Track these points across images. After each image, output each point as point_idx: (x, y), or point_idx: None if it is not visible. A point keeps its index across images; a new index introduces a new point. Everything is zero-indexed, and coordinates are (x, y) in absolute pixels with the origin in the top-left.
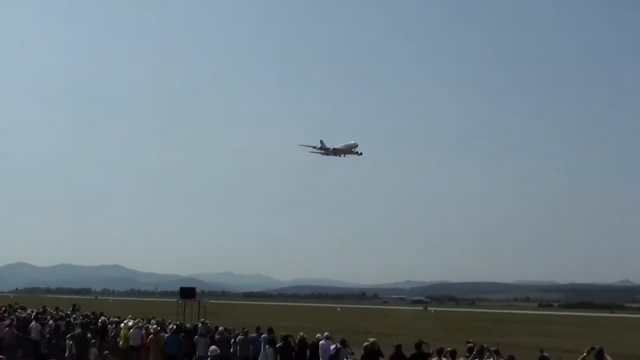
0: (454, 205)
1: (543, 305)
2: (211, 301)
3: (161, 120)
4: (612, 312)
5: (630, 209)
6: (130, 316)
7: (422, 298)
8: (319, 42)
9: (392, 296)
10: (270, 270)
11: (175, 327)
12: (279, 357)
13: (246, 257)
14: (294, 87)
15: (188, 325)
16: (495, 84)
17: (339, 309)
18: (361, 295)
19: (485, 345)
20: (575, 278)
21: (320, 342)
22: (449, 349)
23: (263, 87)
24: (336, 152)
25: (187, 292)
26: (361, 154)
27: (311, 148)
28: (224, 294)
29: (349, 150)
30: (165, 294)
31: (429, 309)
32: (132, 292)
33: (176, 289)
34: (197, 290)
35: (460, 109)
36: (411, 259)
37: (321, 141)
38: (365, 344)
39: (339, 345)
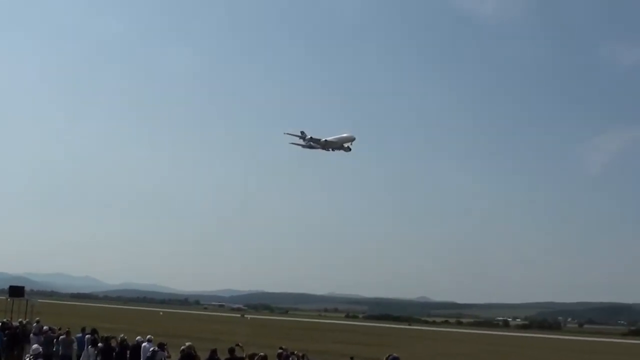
0: (273, 219)
1: (350, 315)
2: (39, 300)
3: None
4: (410, 325)
5: (430, 233)
6: None
7: (241, 306)
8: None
9: (212, 303)
10: (99, 273)
11: (1, 324)
12: (100, 357)
13: (76, 258)
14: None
15: (15, 323)
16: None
17: (161, 313)
18: (184, 301)
19: (295, 352)
20: (379, 293)
21: (142, 344)
22: (261, 354)
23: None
24: (327, 145)
25: (16, 291)
26: (350, 149)
27: (296, 139)
28: (53, 294)
29: (341, 144)
30: None
31: (245, 316)
32: None
33: (5, 287)
34: (27, 289)
35: None
36: (233, 269)
37: (302, 132)
38: (182, 347)
39: (156, 348)
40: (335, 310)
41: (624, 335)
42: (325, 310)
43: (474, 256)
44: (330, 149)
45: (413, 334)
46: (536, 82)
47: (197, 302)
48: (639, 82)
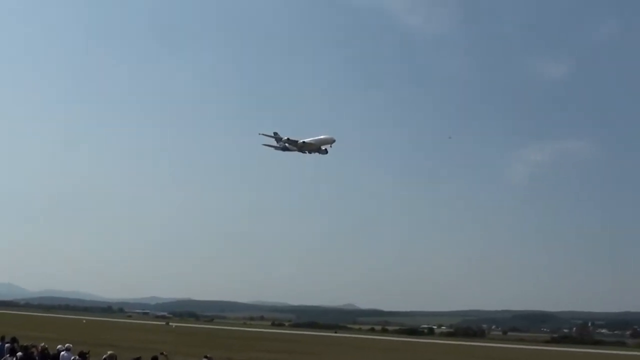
0: (201, 226)
1: (276, 324)
2: None
3: None
4: (336, 332)
5: (357, 241)
6: None
7: (166, 313)
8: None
9: (137, 310)
10: (20, 279)
11: None
12: None
13: None
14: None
15: None
16: None
17: (84, 321)
18: (107, 309)
19: None
20: (306, 301)
21: (62, 353)
22: None
23: None
24: (304, 147)
25: None
26: (327, 152)
27: (273, 140)
28: None
29: (319, 146)
30: None
31: (170, 324)
32: None
33: None
34: None
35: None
36: (159, 275)
37: (275, 133)
38: (104, 356)
39: (76, 357)
40: (262, 318)
41: (547, 342)
42: (251, 318)
43: (400, 264)
44: (307, 152)
45: (339, 342)
46: (463, 95)
47: (121, 310)
48: (563, 97)
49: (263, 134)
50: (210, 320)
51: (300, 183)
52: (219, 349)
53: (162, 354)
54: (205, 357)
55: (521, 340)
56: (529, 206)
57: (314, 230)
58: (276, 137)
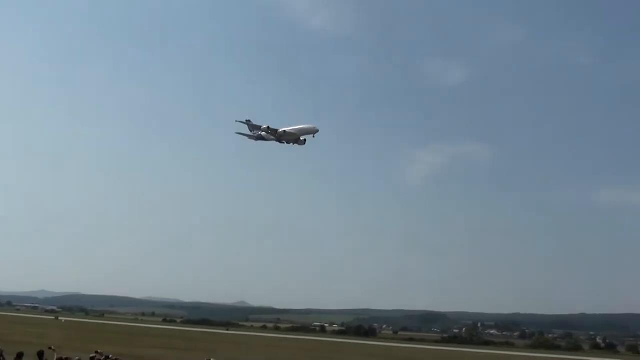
0: (93, 219)
1: (167, 320)
2: None
3: None
4: (228, 330)
5: (249, 238)
6: None
7: (55, 308)
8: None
9: (26, 304)
10: None
11: None
12: None
13: None
14: None
15: None
16: None
17: None
18: None
19: (110, 356)
20: (198, 297)
21: None
22: (77, 358)
23: None
24: (284, 137)
25: None
26: (304, 142)
27: (249, 129)
28: None
29: (299, 136)
30: None
31: (60, 318)
32: None
33: None
34: None
35: None
36: (48, 269)
37: (248, 121)
38: None
39: None
40: (153, 314)
41: (437, 342)
42: (143, 314)
43: (292, 262)
44: (285, 142)
45: (230, 339)
46: (362, 96)
47: (9, 304)
48: (460, 101)
49: (240, 122)
50: (101, 315)
51: (194, 176)
52: (110, 345)
53: (50, 348)
54: (96, 352)
55: (411, 340)
56: (423, 207)
57: (208, 227)
58: (249, 125)
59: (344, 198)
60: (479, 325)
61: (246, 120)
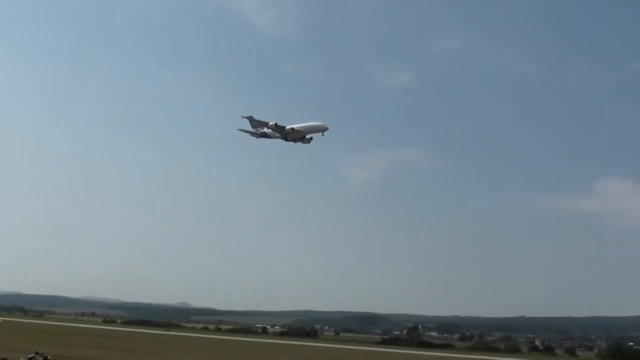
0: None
1: (107, 320)
2: None
3: None
4: (169, 331)
5: (192, 239)
6: None
7: None
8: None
9: None
10: None
11: None
12: None
13: None
14: None
15: None
16: None
17: None
18: None
19: (48, 356)
20: (139, 298)
21: None
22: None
23: None
24: (291, 135)
25: None
26: (311, 139)
27: (251, 126)
28: None
29: (306, 134)
30: None
31: None
32: None
33: None
34: None
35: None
36: None
37: (250, 117)
38: None
39: None
40: (93, 314)
41: (378, 343)
42: (83, 314)
43: (234, 263)
44: (291, 140)
45: (169, 340)
46: (306, 98)
47: None
48: (404, 105)
49: (246, 117)
50: (40, 315)
51: (131, 174)
52: (49, 345)
53: None
54: (37, 353)
55: (352, 341)
56: (364, 210)
57: (150, 227)
58: (252, 120)
59: (285, 200)
60: (420, 327)
61: (248, 116)
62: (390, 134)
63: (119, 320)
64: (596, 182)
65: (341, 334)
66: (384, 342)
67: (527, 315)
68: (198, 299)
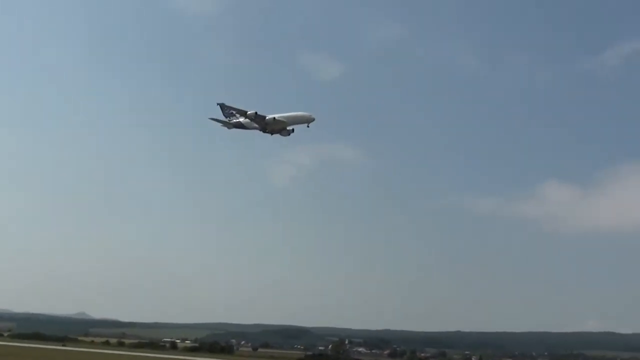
0: None
1: None
2: None
3: None
4: (64, 345)
5: (93, 239)
6: None
7: None
8: None
9: None
10: None
11: None
12: None
13: None
14: None
15: None
16: None
17: None
18: None
19: None
20: (30, 308)
21: None
22: None
23: None
24: (272, 125)
25: None
26: (292, 131)
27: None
28: None
29: (287, 125)
30: None
31: None
32: None
33: None
34: None
35: None
36: None
37: (222, 105)
38: None
39: None
40: None
41: None
42: None
43: (140, 270)
44: (270, 132)
45: (66, 357)
46: (229, 87)
47: None
48: (334, 98)
49: (220, 104)
50: None
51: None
52: None
53: None
54: None
55: (271, 357)
56: (289, 211)
57: (42, 228)
58: (225, 109)
59: (203, 199)
60: (347, 341)
61: (220, 105)
62: (318, 128)
63: (5, 334)
64: (538, 185)
65: (259, 349)
66: (306, 359)
67: (464, 330)
68: (99, 309)
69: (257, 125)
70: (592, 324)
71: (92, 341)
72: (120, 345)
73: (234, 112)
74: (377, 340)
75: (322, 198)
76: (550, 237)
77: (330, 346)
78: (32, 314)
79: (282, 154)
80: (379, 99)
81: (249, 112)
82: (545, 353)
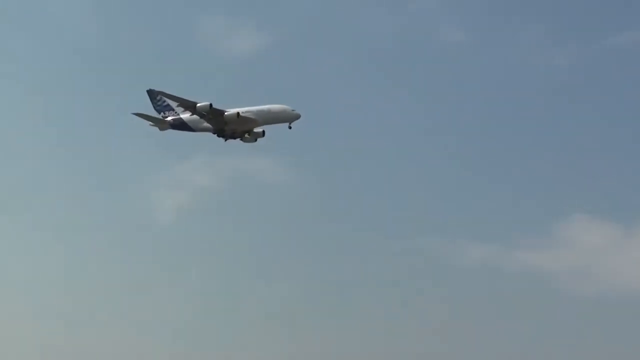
0: None
1: None
2: None
3: None
4: None
5: None
6: None
7: None
8: None
9: None
10: None
11: None
12: None
13: None
14: None
15: None
16: None
17: None
18: None
19: None
20: None
21: None
22: None
23: None
24: (233, 125)
25: None
26: (263, 134)
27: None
28: None
29: (257, 125)
30: None
31: None
32: None
33: None
34: None
35: None
36: None
37: (151, 90)
38: None
39: None
40: None
41: None
42: None
43: None
44: (229, 136)
45: None
46: (103, 61)
47: None
48: (248, 78)
49: (149, 91)
50: None
51: None
52: None
53: None
54: None
55: None
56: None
57: None
58: (153, 96)
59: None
60: None
61: (149, 90)
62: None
63: None
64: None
65: None
66: None
67: None
68: None
69: (209, 125)
70: None
71: None
72: None
73: (170, 103)
74: None
75: (228, 237)
76: (569, 295)
77: None
78: None
79: (168, 171)
80: (315, 80)
81: (199, 104)
82: None
